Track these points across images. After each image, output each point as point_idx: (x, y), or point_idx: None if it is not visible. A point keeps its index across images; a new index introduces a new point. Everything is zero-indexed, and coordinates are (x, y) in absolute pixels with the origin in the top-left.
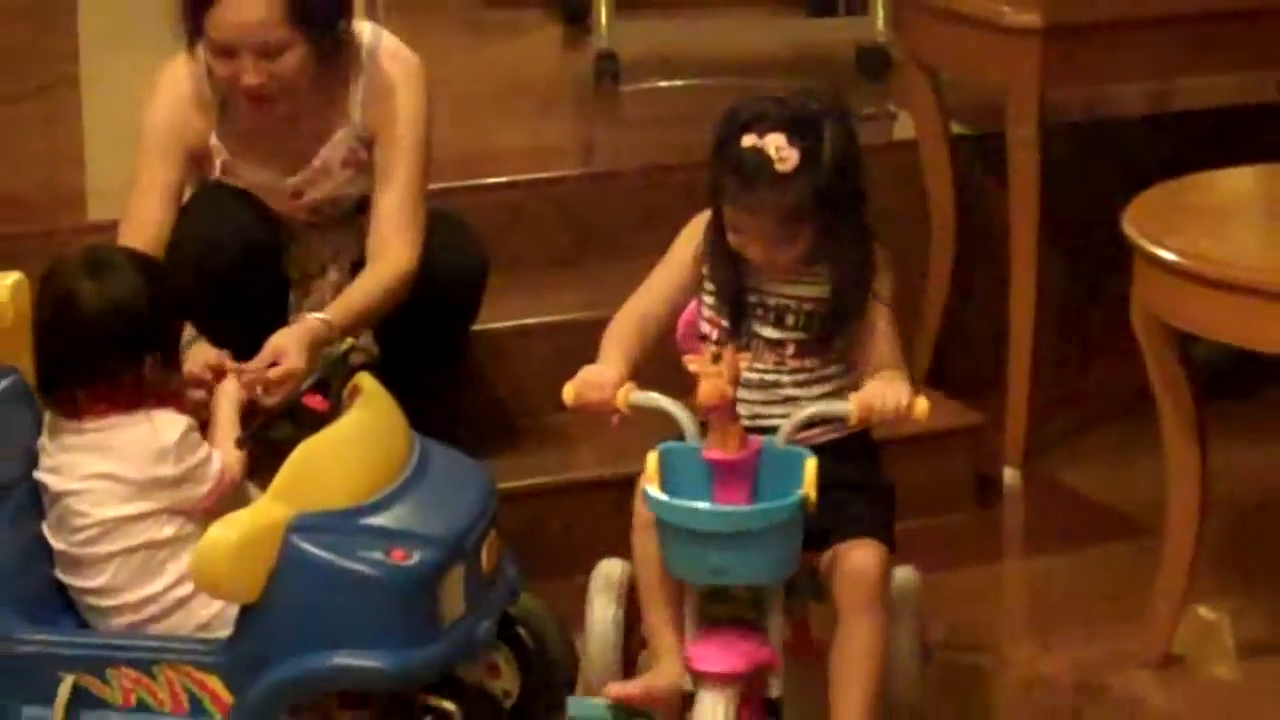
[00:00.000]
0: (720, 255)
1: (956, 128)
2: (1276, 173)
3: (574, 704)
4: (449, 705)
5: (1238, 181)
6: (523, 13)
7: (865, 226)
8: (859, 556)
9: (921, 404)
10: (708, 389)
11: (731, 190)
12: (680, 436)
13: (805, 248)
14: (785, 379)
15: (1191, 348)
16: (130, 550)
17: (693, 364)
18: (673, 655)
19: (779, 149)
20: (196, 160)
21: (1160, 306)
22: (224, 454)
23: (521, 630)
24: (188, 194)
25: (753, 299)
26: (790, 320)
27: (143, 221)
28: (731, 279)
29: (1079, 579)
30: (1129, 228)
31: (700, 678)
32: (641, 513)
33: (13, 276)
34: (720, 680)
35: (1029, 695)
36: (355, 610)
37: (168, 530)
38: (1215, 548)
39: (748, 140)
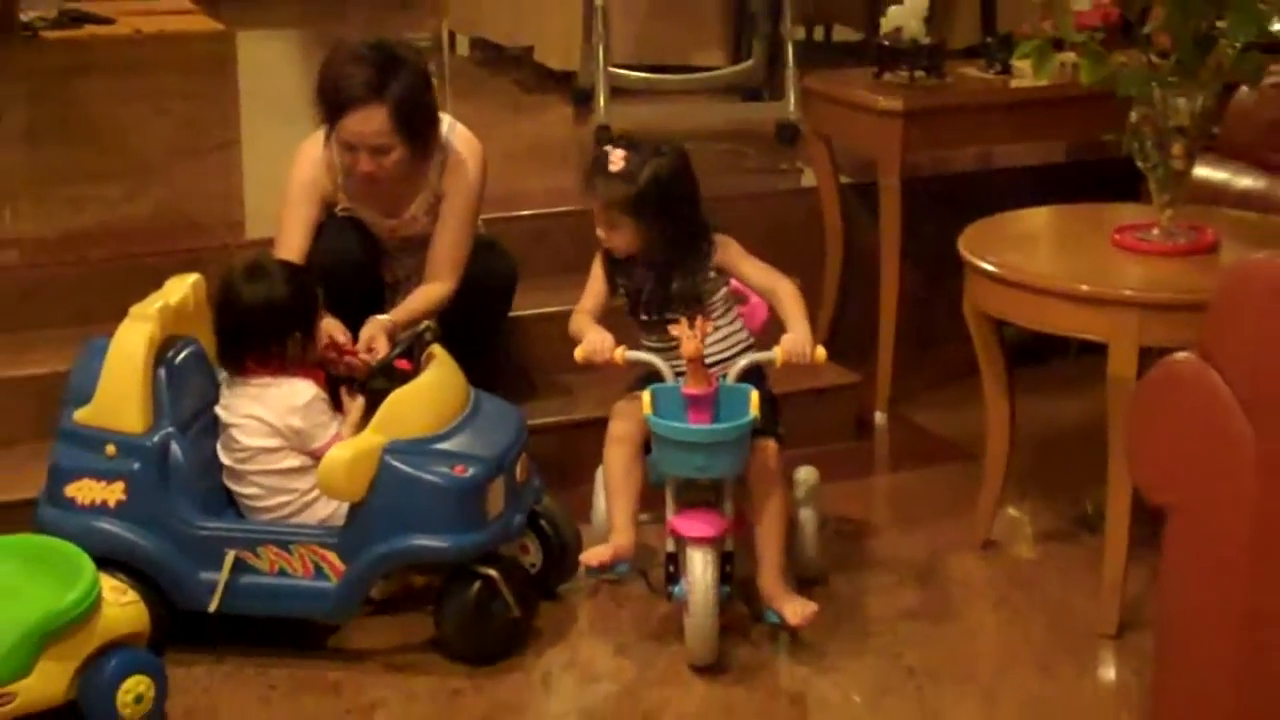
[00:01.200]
0: (613, 264)
1: (844, 179)
2: (1062, 212)
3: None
4: (493, 572)
5: (1036, 218)
6: (546, 97)
7: (690, 229)
8: (761, 447)
9: (820, 351)
10: (690, 346)
11: (587, 179)
12: (649, 380)
13: (630, 237)
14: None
15: (1004, 330)
16: (268, 472)
17: (675, 330)
18: (623, 531)
19: (615, 158)
20: (326, 203)
21: (983, 302)
22: (345, 431)
23: (543, 522)
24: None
25: (643, 297)
26: (671, 304)
27: (290, 242)
28: (622, 282)
29: (927, 488)
30: (962, 248)
31: (687, 540)
32: (611, 432)
33: (193, 277)
34: (703, 542)
35: (891, 558)
36: (428, 508)
37: (295, 462)
38: (1020, 468)
39: (605, 149)
